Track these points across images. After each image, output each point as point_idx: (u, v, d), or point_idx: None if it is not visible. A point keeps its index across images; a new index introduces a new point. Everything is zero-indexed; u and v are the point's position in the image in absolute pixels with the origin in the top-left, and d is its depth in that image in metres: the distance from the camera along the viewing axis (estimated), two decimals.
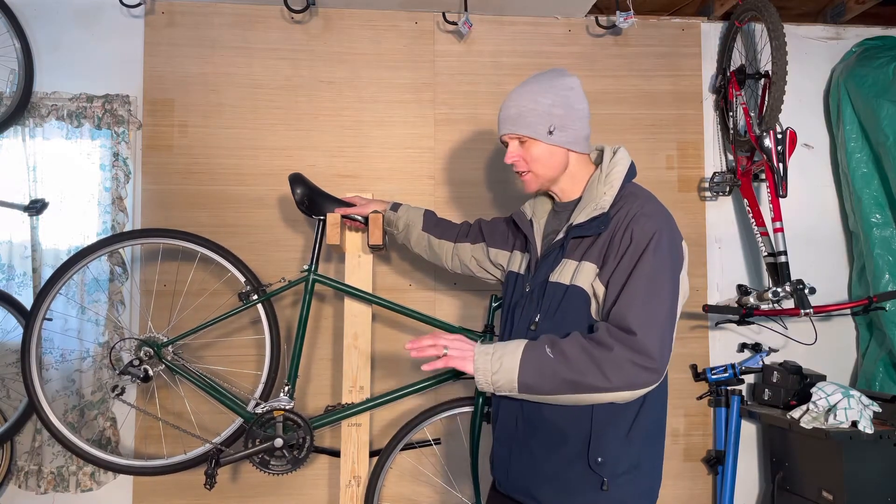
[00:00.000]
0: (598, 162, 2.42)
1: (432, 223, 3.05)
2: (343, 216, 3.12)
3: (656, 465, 2.30)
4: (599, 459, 2.14)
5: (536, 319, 2.28)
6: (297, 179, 3.11)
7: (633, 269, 2.09)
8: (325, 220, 3.12)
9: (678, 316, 2.16)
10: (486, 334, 3.14)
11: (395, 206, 3.11)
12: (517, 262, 2.58)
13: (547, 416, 2.20)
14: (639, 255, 2.09)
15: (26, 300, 3.50)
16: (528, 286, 2.39)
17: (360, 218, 3.12)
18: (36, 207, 3.55)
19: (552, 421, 2.20)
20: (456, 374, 3.19)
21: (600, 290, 2.16)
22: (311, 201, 3.10)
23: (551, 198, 2.53)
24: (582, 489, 2.17)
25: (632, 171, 2.37)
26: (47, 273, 3.49)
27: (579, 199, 2.37)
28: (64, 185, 3.64)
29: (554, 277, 2.26)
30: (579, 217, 2.26)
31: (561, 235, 2.31)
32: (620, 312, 2.06)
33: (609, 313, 2.10)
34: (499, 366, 2.10)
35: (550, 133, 2.31)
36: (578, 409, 2.15)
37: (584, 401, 2.08)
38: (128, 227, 3.63)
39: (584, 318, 2.18)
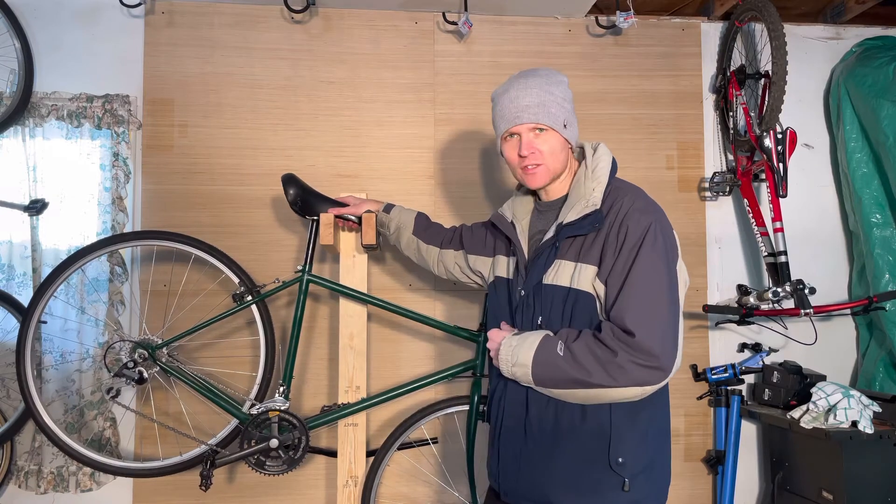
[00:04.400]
0: (580, 159, 2.40)
1: (422, 227, 3.04)
2: (336, 216, 3.11)
3: (667, 463, 2.30)
4: (620, 460, 2.13)
5: (539, 322, 2.25)
6: (289, 180, 3.11)
7: (630, 266, 2.08)
8: (318, 221, 3.11)
9: (682, 305, 2.16)
10: (483, 333, 3.14)
11: (388, 208, 3.11)
12: (503, 266, 2.53)
13: (563, 419, 2.19)
14: (636, 253, 2.09)
15: (26, 300, 3.48)
16: (521, 290, 2.34)
17: (353, 218, 3.12)
18: (36, 207, 3.56)
19: (569, 425, 2.18)
20: (453, 373, 3.20)
21: (601, 289, 2.15)
22: (304, 202, 3.09)
23: (534, 198, 2.51)
24: (603, 490, 2.15)
25: (614, 166, 2.35)
26: (47, 273, 3.49)
27: (565, 197, 2.34)
28: (64, 185, 3.65)
29: (548, 279, 2.23)
30: (570, 215, 2.23)
31: (550, 235, 2.28)
32: (620, 313, 2.06)
33: (610, 312, 2.10)
34: (516, 359, 2.17)
35: (565, 126, 2.30)
36: (596, 411, 2.15)
37: (595, 397, 2.09)
38: (128, 228, 3.64)
39: (593, 322, 2.17)
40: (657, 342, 2.02)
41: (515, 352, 2.17)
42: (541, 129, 2.28)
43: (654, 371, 2.01)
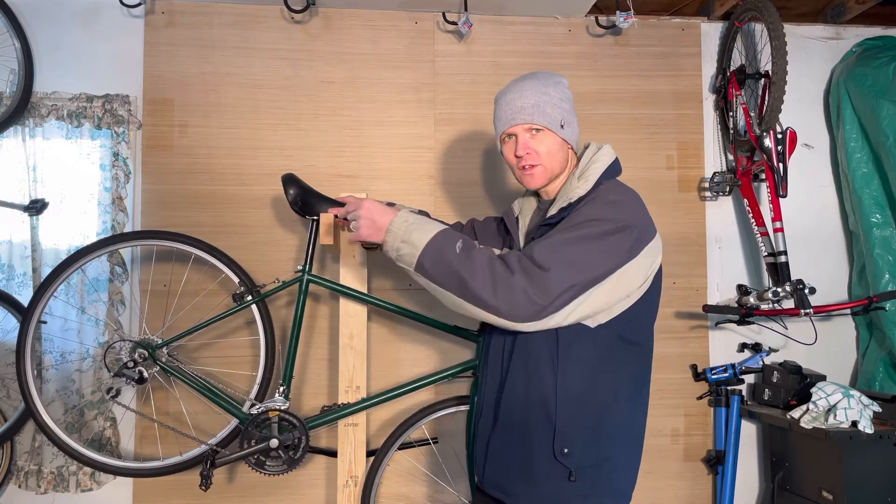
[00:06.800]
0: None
1: None
2: (336, 216, 3.11)
3: (629, 468, 2.27)
4: (565, 450, 2.13)
5: None
6: (289, 180, 3.11)
7: (568, 228, 2.10)
8: (318, 221, 3.11)
9: (604, 281, 2.09)
10: (483, 333, 3.14)
11: (389, 206, 3.10)
12: None
13: (517, 410, 2.21)
14: (579, 223, 2.10)
15: (26, 300, 3.47)
16: None
17: None
18: (36, 207, 3.56)
19: (522, 415, 2.20)
20: (453, 374, 3.20)
21: None
22: (304, 202, 3.09)
23: (536, 197, 2.53)
24: (549, 480, 2.16)
25: (613, 169, 2.34)
26: (47, 273, 3.49)
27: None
28: (64, 185, 3.64)
29: None
30: (552, 210, 2.28)
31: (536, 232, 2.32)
32: (537, 247, 2.07)
33: (531, 243, 2.10)
34: (408, 237, 2.16)
35: (562, 126, 2.31)
36: (544, 401, 2.15)
37: (465, 308, 2.08)
38: (128, 227, 3.64)
39: None
40: (558, 286, 2.01)
41: (410, 230, 2.17)
42: (537, 130, 2.31)
43: (534, 307, 2.00)
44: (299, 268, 3.15)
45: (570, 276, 2.03)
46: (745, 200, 3.76)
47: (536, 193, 2.53)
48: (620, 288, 2.14)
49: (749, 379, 3.91)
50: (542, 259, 2.02)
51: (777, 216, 3.56)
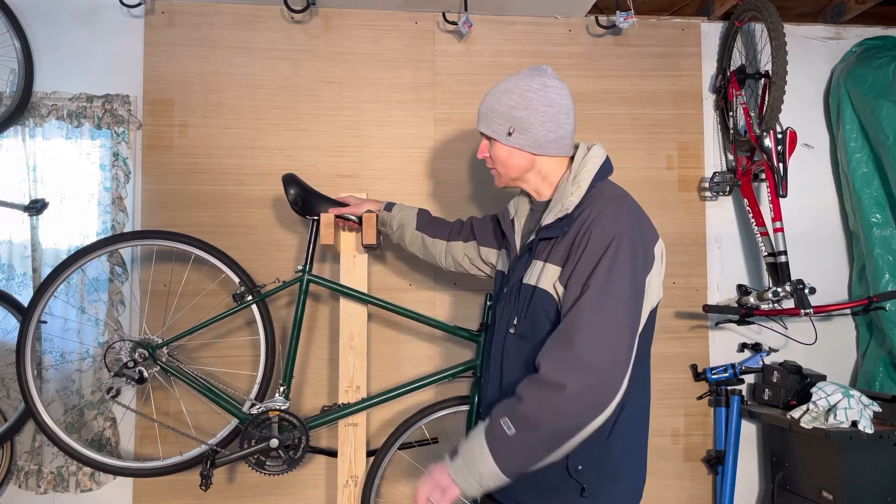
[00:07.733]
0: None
1: (426, 222, 3.05)
2: (337, 216, 3.11)
3: (639, 463, 2.28)
4: (580, 467, 2.12)
5: (515, 322, 2.25)
6: (290, 180, 3.11)
7: (588, 275, 2.03)
8: (318, 221, 3.11)
9: (642, 319, 2.10)
10: (483, 333, 3.15)
11: (389, 206, 3.11)
12: (503, 261, 2.58)
13: None
14: (596, 261, 2.04)
15: (26, 300, 3.47)
16: (506, 287, 2.38)
17: (353, 217, 3.12)
18: (36, 207, 3.55)
19: None
20: (453, 373, 3.20)
21: (562, 291, 2.12)
22: (305, 201, 3.09)
23: (528, 198, 2.52)
24: (563, 495, 2.15)
25: (605, 170, 2.31)
26: (47, 273, 3.49)
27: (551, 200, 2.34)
28: (64, 185, 3.64)
29: (526, 279, 2.24)
30: (548, 218, 2.24)
31: (532, 237, 2.29)
32: (568, 330, 2.01)
33: (562, 320, 2.05)
34: (478, 475, 2.00)
35: (509, 134, 2.30)
36: None
37: (575, 443, 1.99)
38: (128, 227, 3.63)
39: (551, 320, 2.15)
40: (612, 357, 1.97)
41: (471, 469, 2.01)
42: (489, 138, 2.39)
43: (602, 389, 1.95)
44: (299, 268, 3.15)
45: (616, 338, 2.00)
46: (745, 200, 3.76)
47: (527, 194, 2.51)
48: (649, 306, 2.16)
49: (749, 379, 3.91)
50: (584, 344, 1.96)
51: (777, 216, 3.55)
